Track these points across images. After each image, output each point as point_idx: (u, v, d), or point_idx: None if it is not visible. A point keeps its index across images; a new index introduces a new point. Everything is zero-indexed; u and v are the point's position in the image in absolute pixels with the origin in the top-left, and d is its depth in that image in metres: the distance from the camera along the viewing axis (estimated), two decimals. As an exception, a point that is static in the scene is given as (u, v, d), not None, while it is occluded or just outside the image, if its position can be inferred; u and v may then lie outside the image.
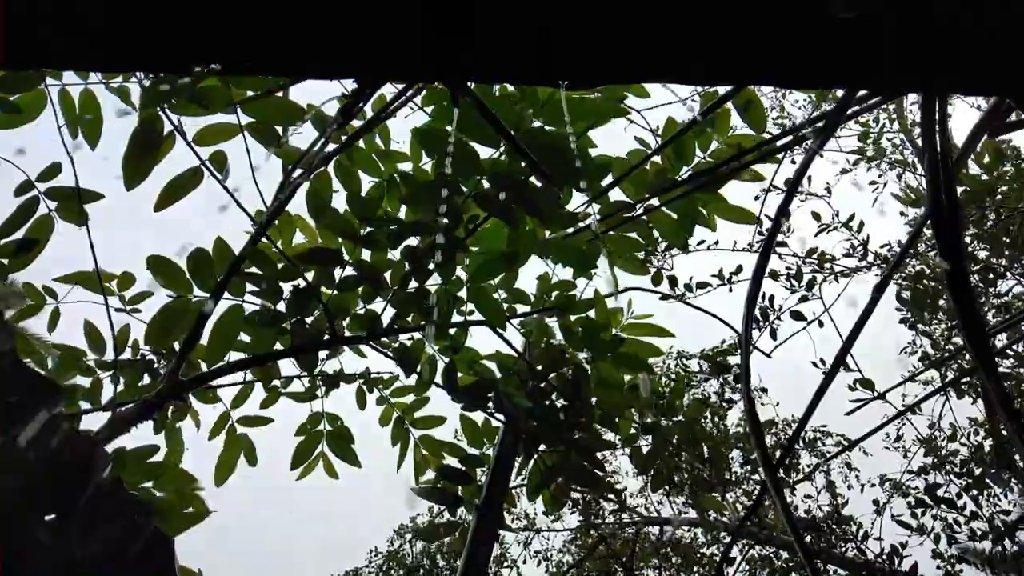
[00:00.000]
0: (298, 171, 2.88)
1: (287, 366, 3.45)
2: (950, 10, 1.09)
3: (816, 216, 6.87)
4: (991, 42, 1.14)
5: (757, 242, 6.43)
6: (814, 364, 6.55)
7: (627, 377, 3.42)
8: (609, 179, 2.88)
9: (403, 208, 3.14)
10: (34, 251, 2.75)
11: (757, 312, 6.03)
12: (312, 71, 1.26)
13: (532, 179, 2.68)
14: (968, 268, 1.46)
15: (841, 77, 1.20)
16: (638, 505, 9.47)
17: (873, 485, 7.93)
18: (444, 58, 1.15)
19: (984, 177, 5.60)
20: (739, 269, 5.96)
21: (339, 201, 3.05)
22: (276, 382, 3.44)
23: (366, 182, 3.11)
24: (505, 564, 10.39)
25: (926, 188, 1.43)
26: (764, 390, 8.97)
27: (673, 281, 5.44)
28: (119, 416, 2.53)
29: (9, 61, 1.22)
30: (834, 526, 7.51)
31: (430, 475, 3.70)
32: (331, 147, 2.91)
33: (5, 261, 2.71)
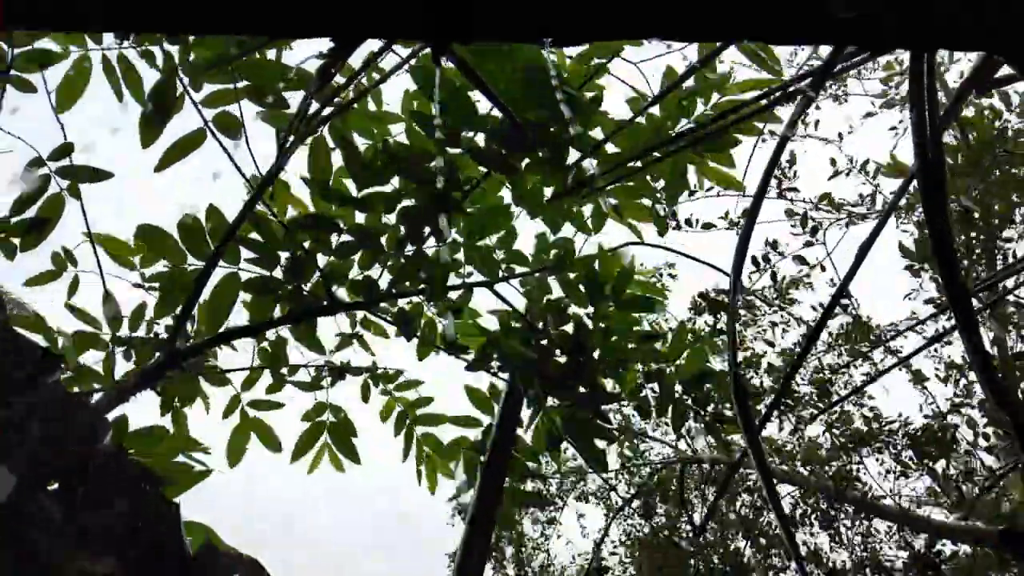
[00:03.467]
0: (291, 137, 2.84)
1: (295, 355, 3.46)
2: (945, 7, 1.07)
3: (832, 162, 6.78)
4: (979, 27, 1.13)
5: (771, 187, 6.38)
6: (813, 308, 6.57)
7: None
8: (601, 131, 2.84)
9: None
10: (45, 230, 2.74)
11: (759, 255, 6.04)
12: (288, 32, 1.23)
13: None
14: (950, 227, 1.44)
15: (830, 34, 1.16)
16: (677, 441, 9.55)
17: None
18: (427, 19, 1.12)
19: (990, 122, 5.56)
20: (745, 213, 5.92)
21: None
22: (283, 370, 3.44)
23: (360, 145, 3.07)
24: (559, 507, 10.46)
25: (913, 146, 1.40)
26: (771, 344, 9.01)
27: (663, 225, 5.40)
28: (119, 386, 2.53)
29: (8, 22, 1.19)
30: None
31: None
32: (327, 111, 2.88)
33: (17, 240, 2.70)
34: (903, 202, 6.88)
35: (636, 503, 9.70)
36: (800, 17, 1.19)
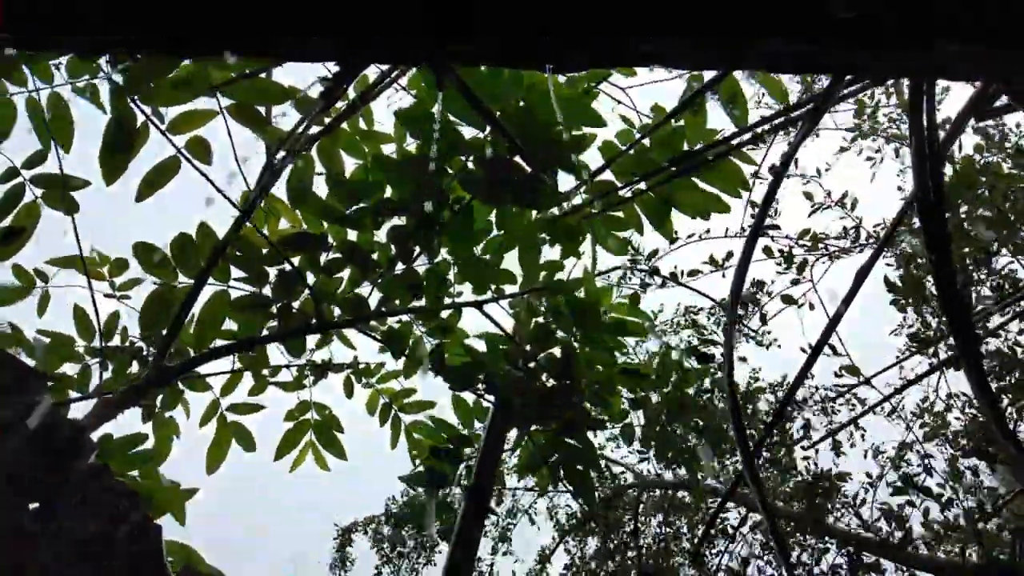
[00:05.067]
0: (281, 154, 2.86)
1: (276, 355, 3.45)
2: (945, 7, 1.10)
3: (809, 196, 6.82)
4: (979, 27, 1.15)
5: (748, 226, 6.42)
6: (802, 350, 6.58)
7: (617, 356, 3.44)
8: (594, 159, 2.87)
9: (388, 190, 3.12)
10: (21, 239, 2.73)
11: (746, 296, 6.05)
12: (295, 55, 1.25)
13: (517, 159, 2.67)
14: (952, 255, 1.46)
15: (831, 64, 1.19)
16: (638, 465, 9.54)
17: (865, 456, 7.96)
18: (427, 18, 1.14)
19: (978, 157, 5.62)
20: (729, 255, 5.97)
21: (322, 185, 3.04)
22: (265, 371, 3.43)
23: (349, 164, 3.09)
24: (513, 521, 10.42)
25: (912, 174, 1.42)
26: (756, 378, 9.07)
27: (656, 272, 5.46)
28: (105, 401, 2.52)
29: (8, 22, 1.20)
30: (827, 489, 7.54)
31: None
32: (314, 130, 2.89)
33: None
34: (878, 232, 6.94)
35: (589, 524, 9.67)
36: (800, 23, 1.21)
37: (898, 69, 1.39)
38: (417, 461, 3.82)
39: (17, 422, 1.30)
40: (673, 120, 2.75)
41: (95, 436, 2.52)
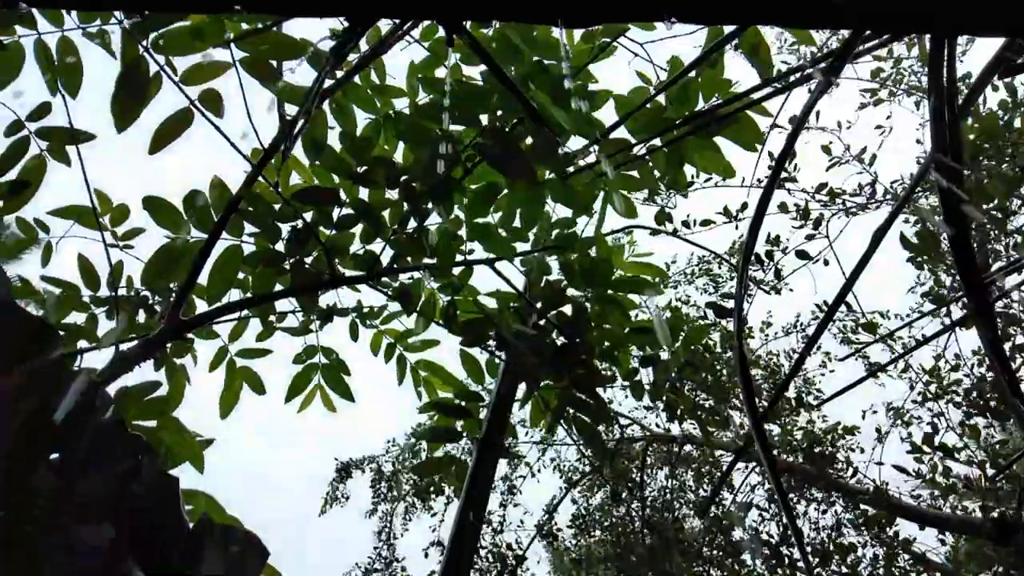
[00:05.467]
0: (293, 109, 2.84)
1: (282, 302, 3.48)
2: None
3: (827, 150, 6.66)
4: None
5: (764, 177, 6.33)
6: (817, 306, 6.53)
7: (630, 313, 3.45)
8: (609, 116, 2.84)
9: (400, 145, 3.11)
10: (27, 192, 2.74)
11: (762, 252, 6.00)
12: (303, 10, 1.23)
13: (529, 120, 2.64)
14: (968, 216, 1.44)
15: (848, 18, 1.16)
16: (645, 418, 9.61)
17: (875, 412, 7.97)
18: None
19: (1001, 113, 5.47)
20: (744, 206, 5.88)
21: (335, 139, 3.02)
22: (272, 317, 3.46)
23: (362, 119, 3.07)
24: (520, 471, 10.56)
25: (930, 132, 1.40)
26: (768, 324, 9.03)
27: (664, 218, 5.39)
28: (121, 355, 2.56)
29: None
30: (835, 450, 7.58)
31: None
32: (327, 83, 2.86)
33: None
34: (896, 189, 6.83)
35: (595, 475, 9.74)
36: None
37: (918, 23, 1.35)
38: (423, 394, 3.87)
39: (36, 378, 1.32)
40: (690, 73, 2.70)
41: (111, 389, 2.57)
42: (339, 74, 2.87)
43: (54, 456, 1.40)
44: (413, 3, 1.19)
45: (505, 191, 3.13)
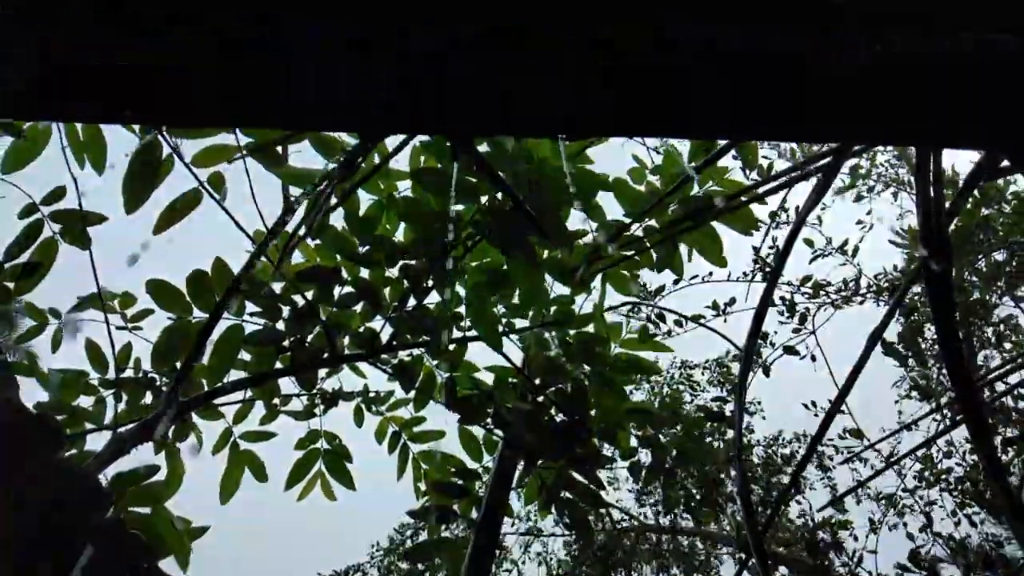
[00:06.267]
0: (296, 191, 2.90)
1: (286, 383, 3.48)
2: (942, 74, 1.12)
3: (809, 243, 6.80)
4: (981, 103, 1.17)
5: (753, 271, 6.45)
6: (805, 406, 6.58)
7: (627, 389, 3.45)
8: (607, 200, 2.90)
9: (401, 225, 3.16)
10: (38, 274, 2.78)
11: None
12: (314, 125, 1.28)
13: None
14: (956, 322, 1.48)
15: (836, 134, 1.22)
16: (636, 510, 9.47)
17: (869, 498, 7.89)
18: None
19: (983, 212, 5.63)
20: (732, 301, 5.97)
21: (337, 218, 3.08)
22: (276, 400, 3.46)
23: (364, 200, 3.13)
24: (505, 566, 10.37)
25: (920, 239, 1.44)
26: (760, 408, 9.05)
27: (661, 318, 5.47)
28: (119, 437, 2.56)
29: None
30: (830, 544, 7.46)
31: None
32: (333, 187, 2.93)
33: (11, 284, 2.73)
34: (878, 283, 6.92)
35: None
36: (803, 117, 1.25)
37: (905, 138, 1.41)
38: (422, 487, 3.83)
39: (40, 480, 1.33)
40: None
41: (109, 470, 2.55)
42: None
43: (56, 556, 1.40)
44: (422, 121, 1.24)
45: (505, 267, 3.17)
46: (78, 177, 2.79)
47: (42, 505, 1.36)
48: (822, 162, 1.90)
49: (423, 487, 3.78)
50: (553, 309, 3.48)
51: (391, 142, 3.04)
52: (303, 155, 3.10)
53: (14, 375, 1.37)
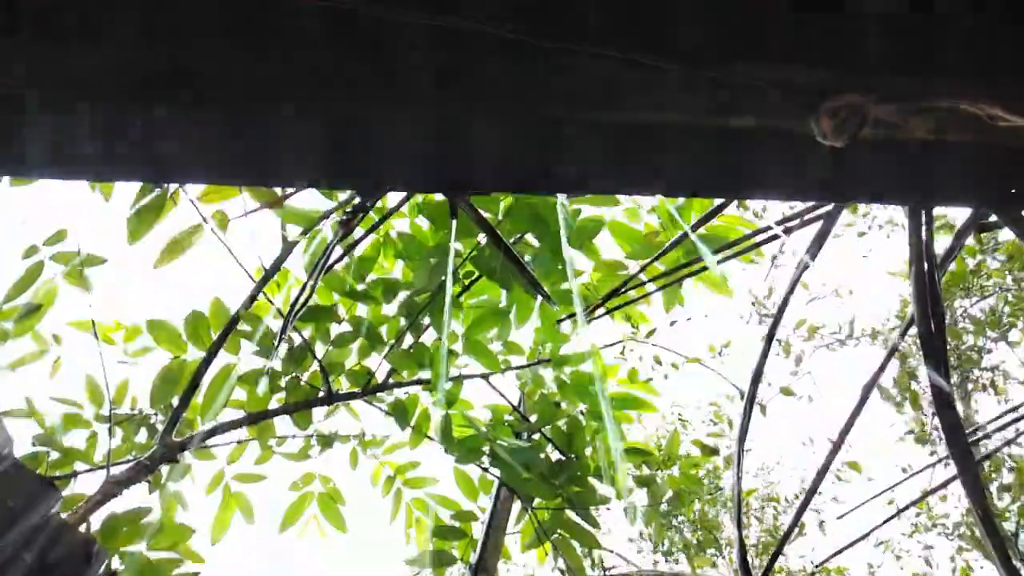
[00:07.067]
0: (295, 229, 2.92)
1: (282, 425, 3.46)
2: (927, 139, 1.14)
3: (804, 285, 6.84)
4: (966, 164, 1.20)
5: (751, 313, 6.52)
6: (803, 444, 6.61)
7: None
8: (604, 240, 2.92)
9: (398, 263, 3.17)
10: (38, 315, 2.78)
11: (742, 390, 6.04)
12: (315, 183, 1.30)
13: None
14: (950, 382, 1.49)
15: (826, 194, 1.24)
16: (632, 555, 9.37)
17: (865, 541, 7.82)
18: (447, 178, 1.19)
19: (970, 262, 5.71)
20: (728, 343, 6.05)
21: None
22: (271, 440, 3.43)
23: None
24: None
25: (913, 302, 1.46)
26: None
27: (658, 360, 5.53)
28: (112, 479, 2.54)
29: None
30: None
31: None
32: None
33: (9, 325, 2.73)
34: (872, 328, 6.96)
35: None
36: (795, 178, 1.27)
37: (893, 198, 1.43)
38: (413, 533, 3.79)
39: (31, 539, 1.32)
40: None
41: (101, 512, 2.53)
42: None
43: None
44: (422, 180, 1.25)
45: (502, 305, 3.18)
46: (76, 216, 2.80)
47: (34, 563, 1.35)
48: (822, 210, 1.92)
49: (414, 533, 3.74)
50: (549, 347, 3.48)
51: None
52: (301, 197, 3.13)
53: (7, 430, 1.36)
